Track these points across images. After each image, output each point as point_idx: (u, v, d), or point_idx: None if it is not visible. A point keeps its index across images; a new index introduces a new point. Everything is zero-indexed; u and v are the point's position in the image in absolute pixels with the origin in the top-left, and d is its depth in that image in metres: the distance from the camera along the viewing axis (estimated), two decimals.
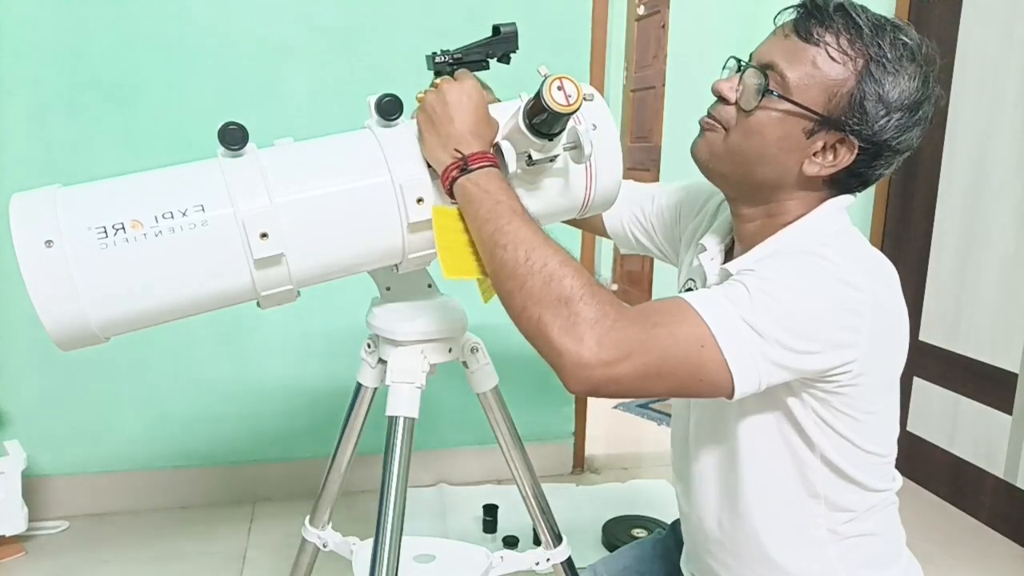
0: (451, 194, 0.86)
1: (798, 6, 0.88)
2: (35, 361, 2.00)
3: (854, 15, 0.84)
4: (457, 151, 0.86)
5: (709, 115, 0.93)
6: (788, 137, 0.87)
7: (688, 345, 0.77)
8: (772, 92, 0.86)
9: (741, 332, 0.78)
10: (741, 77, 0.90)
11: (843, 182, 0.91)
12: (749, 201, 0.94)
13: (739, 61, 0.92)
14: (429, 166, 0.87)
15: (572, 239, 2.29)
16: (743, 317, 0.78)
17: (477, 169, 0.85)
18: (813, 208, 0.92)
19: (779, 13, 0.90)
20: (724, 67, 0.94)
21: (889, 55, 0.83)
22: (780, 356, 0.79)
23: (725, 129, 0.91)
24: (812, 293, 0.81)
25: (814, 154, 0.88)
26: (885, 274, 0.87)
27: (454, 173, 0.85)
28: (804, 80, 0.85)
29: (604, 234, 1.28)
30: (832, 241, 0.87)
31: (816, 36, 0.85)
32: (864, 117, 0.85)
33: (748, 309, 0.78)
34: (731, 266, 0.92)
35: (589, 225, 1.29)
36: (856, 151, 0.87)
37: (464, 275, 0.85)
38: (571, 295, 0.75)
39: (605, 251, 4.81)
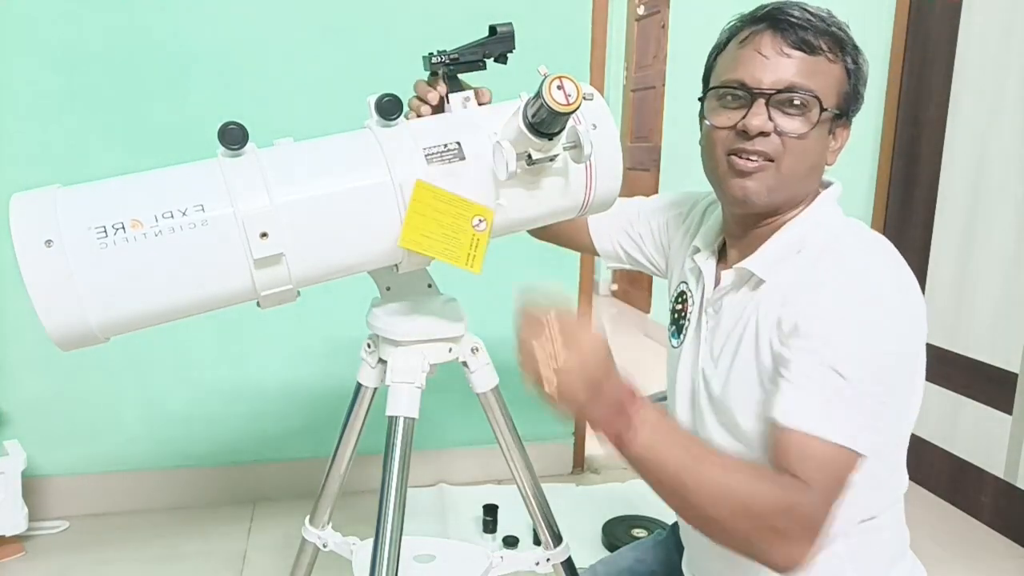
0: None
1: (768, 21, 0.91)
2: (35, 361, 2.01)
3: (819, 17, 0.90)
4: (621, 412, 0.79)
5: (746, 154, 0.91)
6: (823, 141, 0.93)
7: (846, 474, 0.82)
8: (826, 109, 0.90)
9: (864, 421, 0.82)
10: (768, 105, 0.89)
11: None
12: (783, 210, 0.96)
13: (750, 91, 0.90)
14: (429, 163, 0.87)
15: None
16: (857, 403, 0.82)
17: (646, 425, 0.79)
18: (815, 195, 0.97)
19: (746, 34, 0.92)
20: (724, 96, 0.93)
21: (852, 39, 0.91)
22: (884, 405, 0.85)
23: (771, 160, 0.91)
24: (886, 342, 0.84)
25: (829, 146, 0.95)
26: (898, 258, 0.91)
27: (627, 436, 0.79)
28: (824, 88, 0.90)
29: (592, 251, 1.27)
30: (842, 233, 0.93)
31: (815, 45, 0.89)
32: (859, 100, 0.94)
33: (856, 394, 0.82)
34: (751, 265, 0.94)
35: (576, 243, 1.28)
36: (850, 129, 0.96)
37: (417, 248, 0.85)
38: (766, 515, 0.78)
39: None
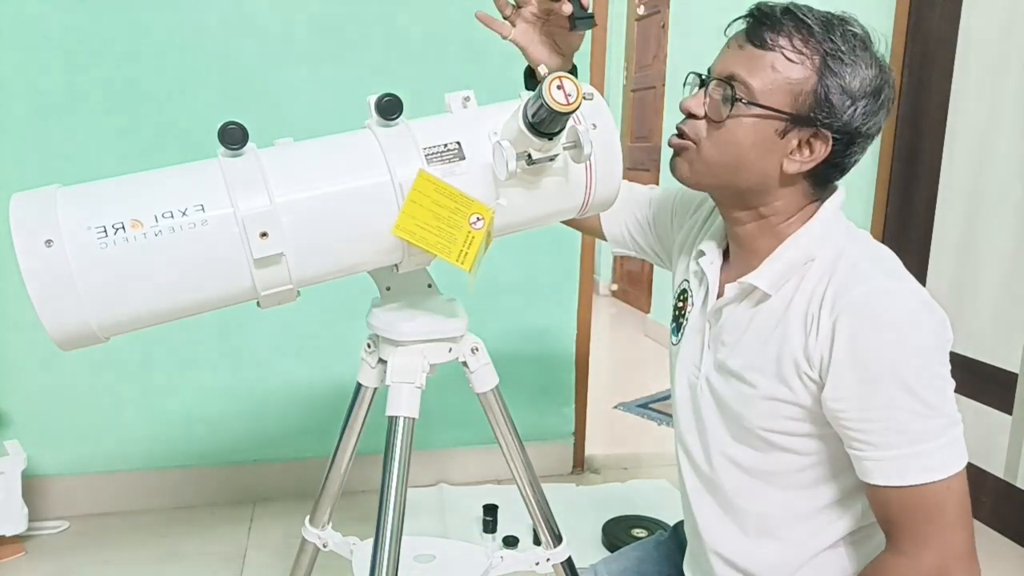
0: None
1: (746, 16, 0.91)
2: (35, 361, 2.01)
3: (801, 15, 0.88)
4: None
5: (678, 133, 0.96)
6: (762, 141, 0.90)
7: (966, 491, 0.86)
8: (740, 99, 0.89)
9: (955, 434, 0.85)
10: (706, 91, 0.93)
11: (823, 174, 0.94)
12: (739, 206, 0.97)
13: (700, 76, 0.94)
14: (429, 163, 0.87)
15: (572, 239, 2.29)
16: (938, 424, 0.84)
17: None
18: (802, 205, 0.95)
19: (728, 26, 0.94)
20: (684, 83, 0.97)
21: (843, 48, 0.87)
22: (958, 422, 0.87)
23: (695, 144, 0.94)
24: (931, 350, 0.85)
25: (791, 152, 0.91)
26: (907, 272, 0.90)
27: None
28: (767, 85, 0.88)
29: (600, 235, 1.29)
30: (848, 244, 0.91)
31: (770, 42, 0.88)
32: (832, 110, 0.88)
33: (942, 424, 0.83)
34: (756, 281, 0.93)
35: (586, 227, 1.30)
36: (831, 143, 0.90)
37: (409, 238, 0.85)
38: None
39: (605, 251, 4.82)
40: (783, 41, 0.87)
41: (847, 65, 0.87)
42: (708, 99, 0.92)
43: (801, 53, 0.87)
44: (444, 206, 0.86)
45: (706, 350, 1.02)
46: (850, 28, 0.88)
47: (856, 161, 0.95)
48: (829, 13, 0.89)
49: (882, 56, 0.90)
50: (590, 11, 1.02)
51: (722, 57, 0.93)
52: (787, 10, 0.89)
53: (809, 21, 0.87)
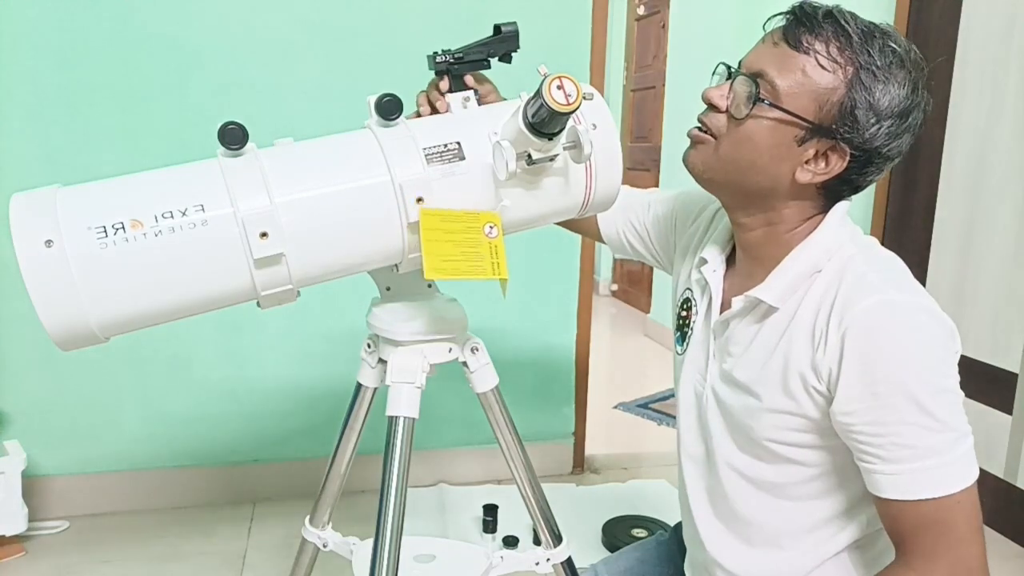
0: None
1: (787, 13, 0.88)
2: (35, 361, 2.01)
3: (843, 22, 0.84)
4: None
5: (699, 123, 0.93)
6: (779, 145, 0.88)
7: (977, 504, 0.84)
8: (763, 100, 0.86)
9: (965, 447, 0.83)
10: (731, 84, 0.90)
11: (835, 189, 0.91)
12: (746, 209, 0.95)
13: (729, 68, 0.91)
14: (428, 163, 0.87)
15: (573, 239, 2.29)
16: (948, 438, 0.82)
17: None
18: (809, 215, 0.93)
19: (768, 19, 0.90)
20: (714, 73, 0.94)
21: (879, 62, 0.83)
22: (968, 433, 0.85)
23: (715, 137, 0.91)
24: (940, 364, 0.83)
25: (806, 162, 0.88)
26: (915, 281, 0.88)
27: None
28: (794, 88, 0.85)
29: (599, 239, 1.28)
30: (855, 253, 0.89)
31: (805, 44, 0.85)
32: (855, 125, 0.85)
33: (939, 425, 0.81)
34: (762, 294, 0.92)
35: (584, 229, 1.29)
36: (847, 158, 0.87)
37: (444, 275, 0.85)
38: None
39: (605, 251, 4.82)
40: (819, 46, 0.84)
41: (879, 81, 0.83)
42: (732, 93, 0.89)
43: (835, 61, 0.83)
44: (456, 231, 0.85)
45: (711, 360, 1.01)
46: (890, 43, 0.84)
47: (872, 182, 0.91)
48: (872, 24, 0.85)
49: (919, 78, 0.86)
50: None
51: (755, 51, 0.89)
52: (829, 14, 0.85)
53: (849, 29, 0.84)
